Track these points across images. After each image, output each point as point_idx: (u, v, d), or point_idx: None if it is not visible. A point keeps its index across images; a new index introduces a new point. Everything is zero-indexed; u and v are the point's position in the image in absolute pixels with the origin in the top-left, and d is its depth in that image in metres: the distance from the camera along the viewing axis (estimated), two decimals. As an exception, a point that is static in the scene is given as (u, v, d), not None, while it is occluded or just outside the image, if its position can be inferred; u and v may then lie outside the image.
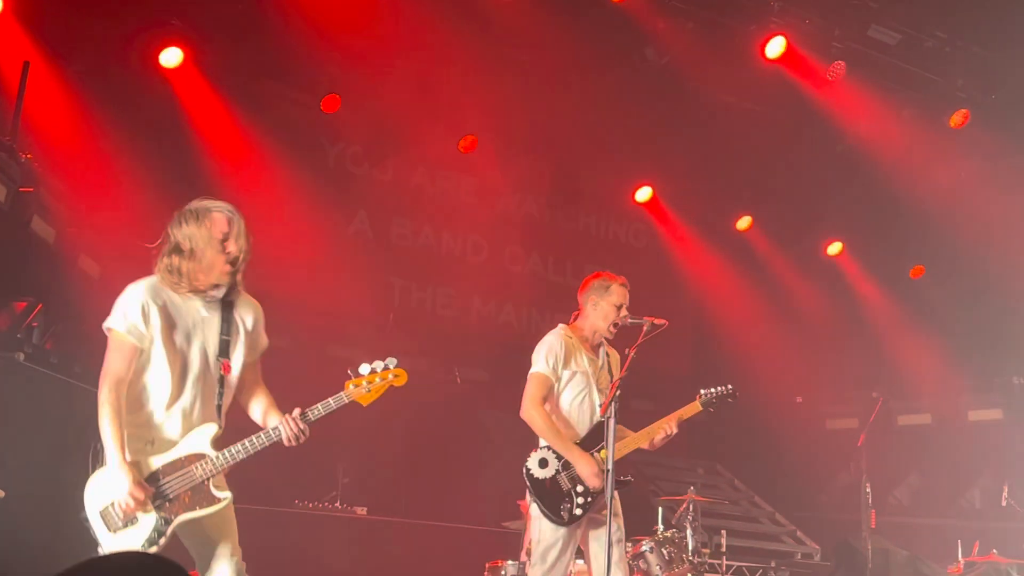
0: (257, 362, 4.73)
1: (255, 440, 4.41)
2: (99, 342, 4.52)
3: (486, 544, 8.33)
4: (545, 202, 13.06)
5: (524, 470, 5.59)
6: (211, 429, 4.42)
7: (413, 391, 11.24)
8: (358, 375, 4.48)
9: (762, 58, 9.85)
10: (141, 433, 4.38)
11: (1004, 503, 11.01)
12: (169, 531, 4.30)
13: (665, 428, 5.72)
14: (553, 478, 5.54)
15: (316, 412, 4.45)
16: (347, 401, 4.47)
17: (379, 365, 4.50)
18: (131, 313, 4.37)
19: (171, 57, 9.46)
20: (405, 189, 12.08)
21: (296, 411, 4.44)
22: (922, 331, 12.89)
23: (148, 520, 4.29)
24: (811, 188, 12.53)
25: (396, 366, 4.50)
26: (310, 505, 8.91)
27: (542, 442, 5.65)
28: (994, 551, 10.16)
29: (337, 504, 9.10)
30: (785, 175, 12.35)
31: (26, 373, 6.44)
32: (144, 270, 4.57)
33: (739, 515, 12.39)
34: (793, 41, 9.51)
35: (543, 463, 5.57)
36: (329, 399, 4.49)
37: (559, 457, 5.57)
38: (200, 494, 4.35)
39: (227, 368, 4.54)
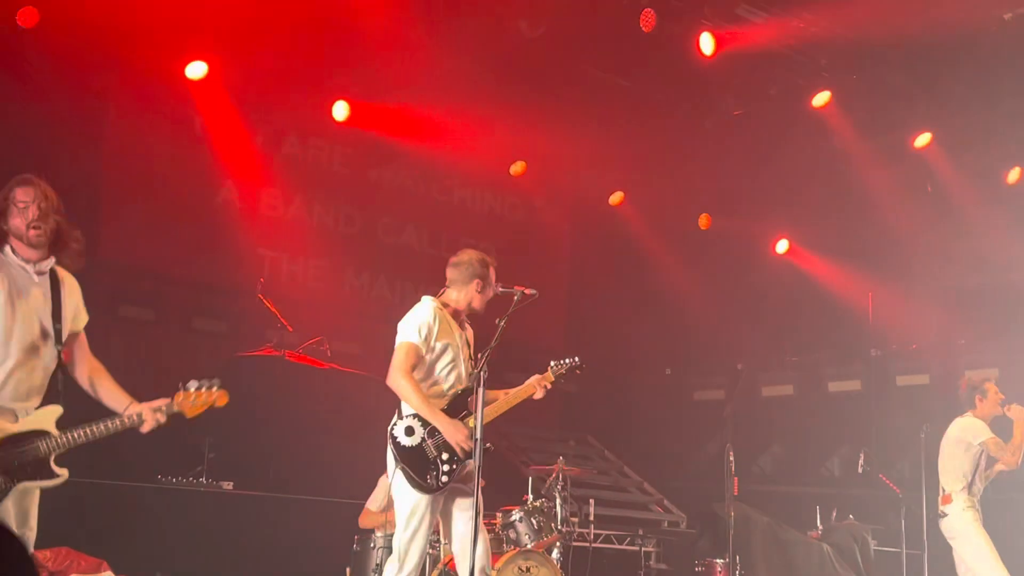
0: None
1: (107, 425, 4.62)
2: None
3: (355, 517, 8.26)
4: (419, 174, 12.97)
5: (390, 438, 5.57)
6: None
7: (283, 364, 11.06)
8: (186, 390, 4.78)
9: (638, 32, 9.89)
10: None
11: (860, 470, 11.44)
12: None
13: (536, 389, 5.81)
14: (419, 446, 5.55)
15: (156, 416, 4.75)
16: (175, 411, 4.77)
17: (204, 384, 4.83)
18: None
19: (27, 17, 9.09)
20: (275, 158, 11.82)
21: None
22: (785, 305, 13.28)
23: None
24: (682, 164, 12.71)
25: (219, 387, 4.83)
26: (174, 480, 8.70)
27: (406, 410, 5.64)
28: (851, 516, 10.57)
29: (203, 479, 8.91)
30: (657, 150, 12.50)
31: None
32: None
33: (608, 485, 12.59)
34: (662, 16, 9.57)
35: (409, 431, 5.57)
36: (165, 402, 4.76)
37: (424, 425, 5.58)
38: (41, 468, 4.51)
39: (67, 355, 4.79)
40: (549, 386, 5.94)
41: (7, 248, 4.62)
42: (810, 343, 13.41)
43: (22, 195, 4.63)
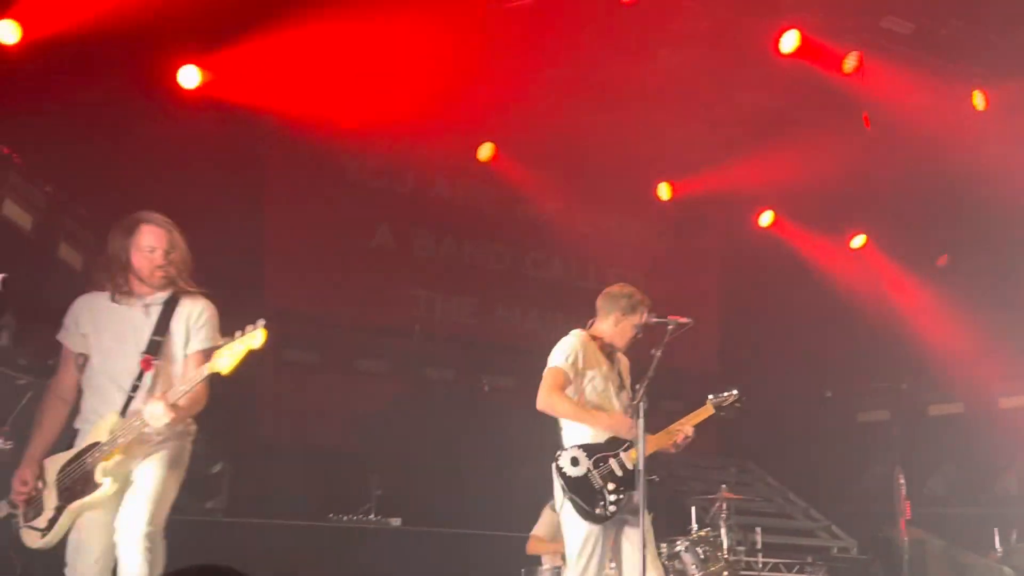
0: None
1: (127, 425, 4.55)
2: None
3: (520, 550, 8.33)
4: (564, 206, 13.06)
5: (556, 468, 5.62)
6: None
7: (443, 401, 11.30)
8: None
9: (776, 54, 9.82)
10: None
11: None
12: (61, 519, 4.47)
13: (683, 431, 5.74)
14: (585, 476, 5.57)
15: (176, 393, 4.53)
16: (206, 374, 4.51)
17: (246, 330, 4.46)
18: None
19: (189, 77, 9.60)
20: (425, 199, 12.14)
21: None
22: (951, 319, 12.82)
23: (48, 510, 4.51)
24: (835, 180, 12.46)
25: (263, 326, 4.43)
26: (345, 518, 8.96)
27: (569, 442, 5.68)
28: (1032, 537, 10.10)
29: (372, 516, 9.14)
30: (809, 169, 12.29)
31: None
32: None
33: (773, 512, 12.34)
34: (807, 34, 9.49)
35: (575, 461, 5.60)
36: (191, 374, 4.59)
37: (589, 456, 5.60)
38: (87, 482, 4.50)
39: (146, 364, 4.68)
40: (690, 436, 5.81)
41: (110, 294, 4.74)
42: (978, 358, 12.90)
43: (150, 240, 4.72)
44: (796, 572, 10.45)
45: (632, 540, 5.55)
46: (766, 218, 13.20)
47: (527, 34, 9.74)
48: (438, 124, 10.87)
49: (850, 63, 9.76)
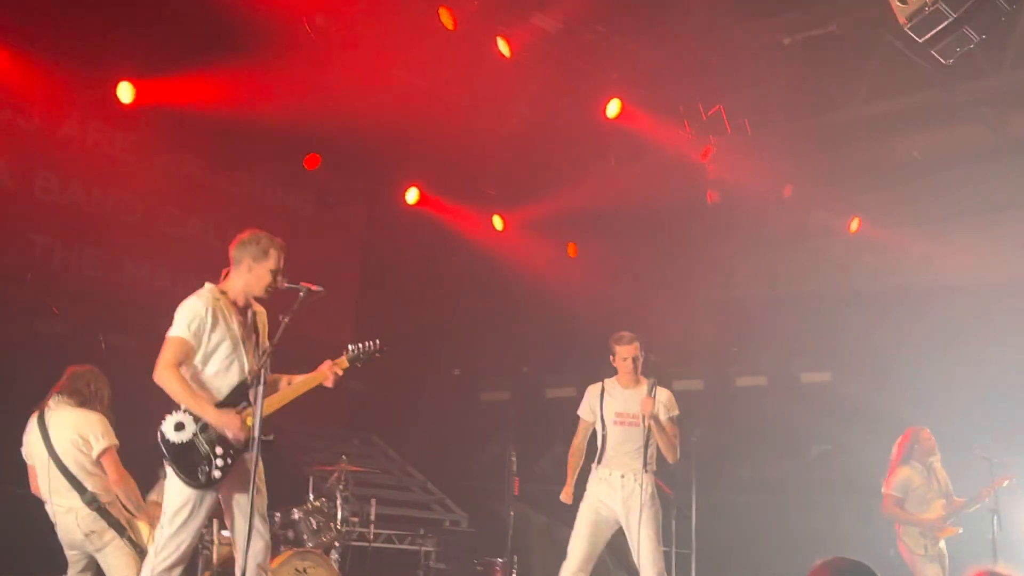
0: None
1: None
2: None
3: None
4: (208, 164, 12.57)
5: (158, 434, 5.38)
6: None
7: (53, 356, 10.54)
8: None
9: (435, 33, 9.92)
10: None
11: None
12: None
13: (327, 376, 5.68)
14: (190, 441, 5.37)
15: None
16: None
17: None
18: None
19: None
20: (53, 139, 11.23)
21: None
22: (570, 310, 13.59)
23: None
24: (477, 166, 12.82)
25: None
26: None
27: (180, 405, 5.44)
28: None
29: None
30: (452, 152, 12.55)
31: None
32: None
33: (391, 484, 12.59)
34: (458, 20, 9.64)
35: (179, 426, 5.38)
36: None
37: (196, 420, 5.39)
38: None
39: None
40: (341, 372, 5.76)
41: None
42: (592, 348, 13.77)
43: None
44: (407, 543, 10.71)
45: (242, 506, 5.43)
46: (412, 195, 13.24)
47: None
48: (73, 58, 10.10)
49: (504, 49, 10.05)
